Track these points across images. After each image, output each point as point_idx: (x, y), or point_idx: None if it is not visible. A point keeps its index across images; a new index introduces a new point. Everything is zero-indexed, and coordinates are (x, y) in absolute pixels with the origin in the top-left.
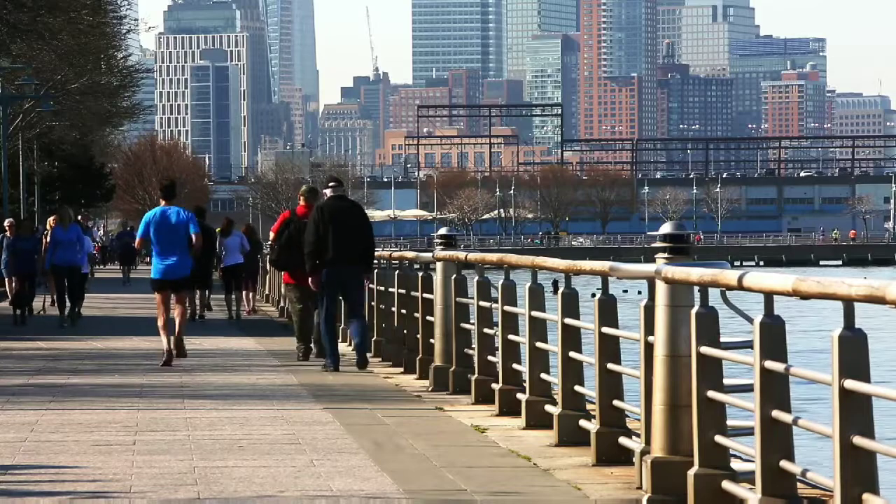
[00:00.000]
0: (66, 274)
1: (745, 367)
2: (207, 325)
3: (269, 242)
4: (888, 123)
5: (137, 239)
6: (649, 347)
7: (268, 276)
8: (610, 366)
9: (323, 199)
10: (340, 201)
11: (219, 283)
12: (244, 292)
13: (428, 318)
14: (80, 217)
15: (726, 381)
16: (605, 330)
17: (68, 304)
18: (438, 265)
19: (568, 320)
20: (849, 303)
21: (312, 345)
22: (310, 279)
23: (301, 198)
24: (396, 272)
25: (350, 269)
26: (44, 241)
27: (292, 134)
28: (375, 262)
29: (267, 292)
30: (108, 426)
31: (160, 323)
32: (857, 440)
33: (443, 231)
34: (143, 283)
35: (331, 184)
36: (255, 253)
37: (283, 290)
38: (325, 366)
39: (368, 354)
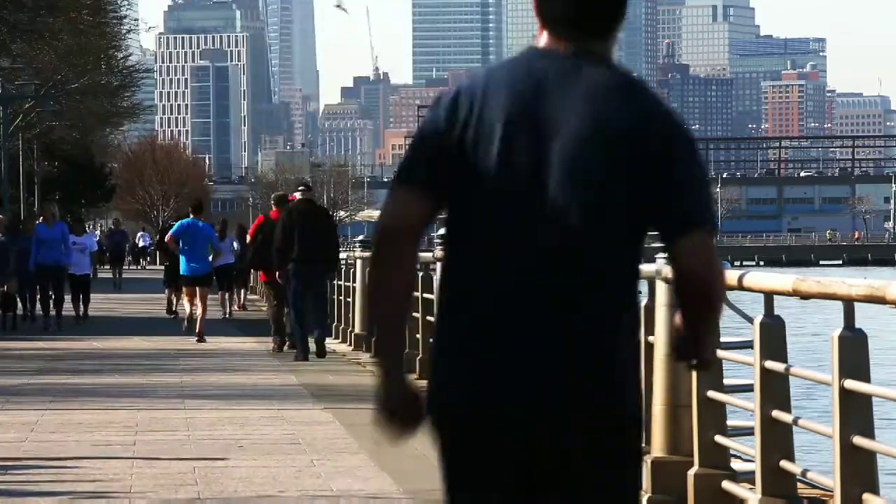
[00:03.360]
0: (49, 274)
1: (745, 367)
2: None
3: (247, 244)
4: (888, 123)
5: (169, 236)
6: (649, 347)
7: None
8: None
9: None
10: (308, 205)
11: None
12: (236, 290)
13: (428, 318)
14: (69, 217)
15: (726, 381)
16: None
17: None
18: (438, 265)
19: None
20: (849, 303)
21: (286, 338)
22: (277, 273)
23: (273, 203)
24: None
25: (314, 267)
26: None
27: (292, 134)
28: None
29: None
30: (108, 426)
31: (187, 306)
32: (857, 440)
33: (443, 231)
34: (137, 284)
35: (300, 188)
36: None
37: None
38: (296, 356)
39: (368, 354)
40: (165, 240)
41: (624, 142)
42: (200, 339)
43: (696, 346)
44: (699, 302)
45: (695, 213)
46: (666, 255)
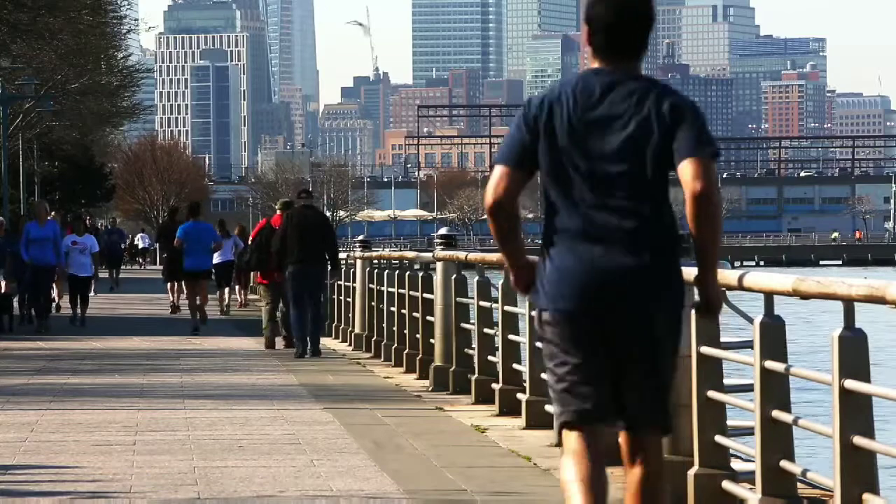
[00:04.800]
0: (40, 275)
1: (745, 367)
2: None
3: (248, 246)
4: (888, 123)
5: (177, 239)
6: None
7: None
8: None
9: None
10: (307, 210)
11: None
12: (237, 288)
13: (428, 318)
14: (69, 217)
15: (726, 381)
16: None
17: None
18: (438, 265)
19: None
20: (849, 303)
21: (276, 335)
22: (276, 274)
23: (278, 209)
24: (396, 272)
25: (312, 269)
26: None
27: (292, 134)
28: (376, 262)
29: None
30: (108, 426)
31: (189, 302)
32: (857, 440)
33: (443, 231)
34: (136, 284)
35: (301, 194)
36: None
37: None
38: (297, 353)
39: (368, 354)
40: (175, 243)
41: (651, 122)
42: (202, 323)
43: (704, 281)
44: (703, 212)
45: (697, 148)
46: (680, 176)
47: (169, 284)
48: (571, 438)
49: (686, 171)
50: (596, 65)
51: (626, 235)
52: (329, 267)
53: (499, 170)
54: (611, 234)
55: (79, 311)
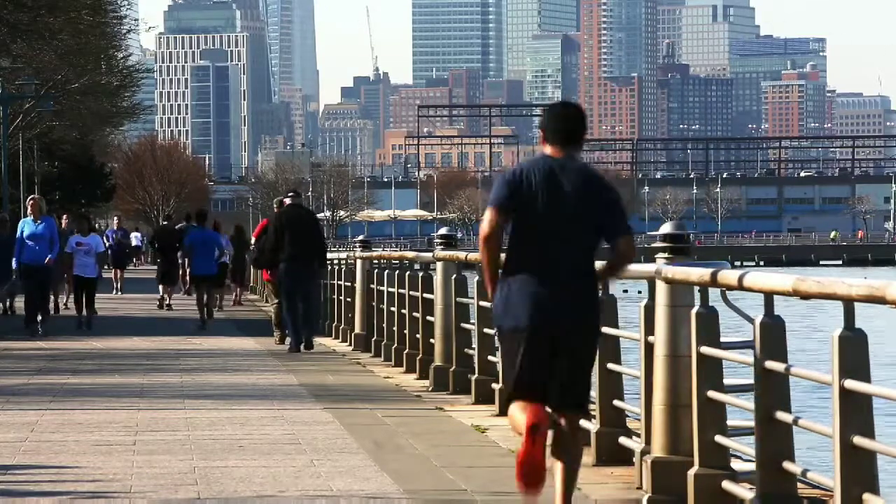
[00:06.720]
0: (34, 275)
1: (745, 367)
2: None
3: (252, 246)
4: (888, 123)
5: (185, 247)
6: (649, 347)
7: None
8: (610, 366)
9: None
10: (297, 209)
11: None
12: (234, 286)
13: (428, 318)
14: (65, 216)
15: (726, 381)
16: (606, 330)
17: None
18: (438, 265)
19: None
20: (849, 303)
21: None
22: (269, 271)
23: (276, 208)
24: (396, 272)
25: (303, 266)
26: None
27: (292, 134)
28: (376, 262)
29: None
30: (109, 426)
31: (197, 302)
32: (857, 440)
33: (443, 231)
34: (134, 284)
35: (290, 194)
36: (244, 252)
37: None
38: (290, 349)
39: (368, 354)
40: (184, 251)
41: (588, 197)
42: (210, 318)
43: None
44: (623, 266)
45: (624, 228)
46: (609, 246)
47: (161, 287)
48: None
49: (621, 244)
50: (550, 150)
51: (572, 268)
52: (317, 265)
53: (491, 210)
54: (561, 266)
55: (84, 313)
